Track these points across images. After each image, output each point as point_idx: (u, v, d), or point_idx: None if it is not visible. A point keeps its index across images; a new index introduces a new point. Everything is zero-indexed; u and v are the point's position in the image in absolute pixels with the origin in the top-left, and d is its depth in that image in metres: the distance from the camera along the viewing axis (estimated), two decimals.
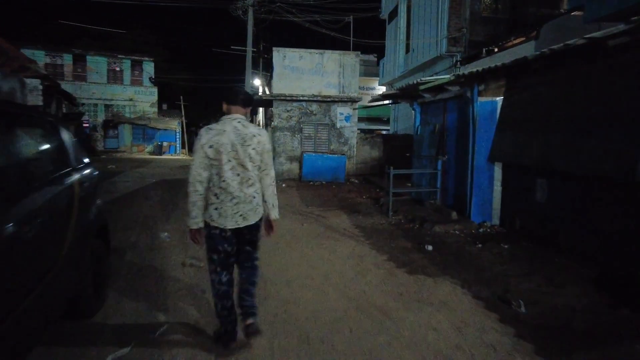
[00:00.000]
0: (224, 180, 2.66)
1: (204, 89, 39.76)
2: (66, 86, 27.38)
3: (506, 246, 5.54)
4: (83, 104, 28.21)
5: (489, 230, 6.49)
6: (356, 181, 13.78)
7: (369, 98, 15.07)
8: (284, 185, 12.73)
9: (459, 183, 7.57)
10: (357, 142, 14.55)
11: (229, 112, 2.76)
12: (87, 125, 28.66)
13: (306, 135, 14.29)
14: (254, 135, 2.72)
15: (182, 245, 5.58)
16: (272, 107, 17.40)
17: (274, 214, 2.94)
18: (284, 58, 14.00)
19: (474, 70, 6.53)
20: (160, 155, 28.17)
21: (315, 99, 13.86)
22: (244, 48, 18.20)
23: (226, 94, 2.78)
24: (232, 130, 2.67)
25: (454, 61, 14.36)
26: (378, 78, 23.50)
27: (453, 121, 7.88)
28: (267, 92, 14.17)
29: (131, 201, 9.40)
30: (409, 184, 10.67)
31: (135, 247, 5.53)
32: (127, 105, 29.76)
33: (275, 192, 2.97)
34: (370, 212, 8.53)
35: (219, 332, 2.87)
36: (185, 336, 3.06)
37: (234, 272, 2.89)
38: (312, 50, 14.09)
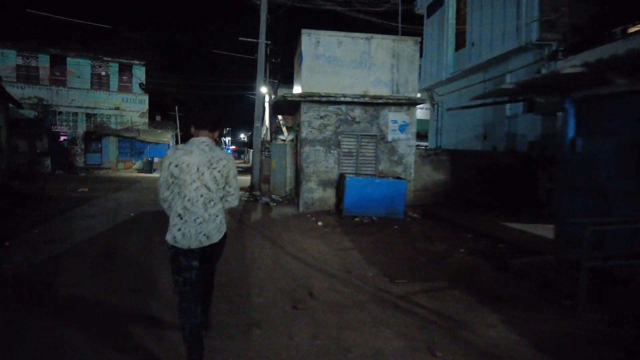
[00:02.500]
0: (188, 200, 2.72)
1: (202, 97, 35.92)
2: (40, 91, 23.44)
3: None
4: (60, 113, 24.19)
5: None
6: (416, 215, 9.81)
7: None
8: (320, 223, 8.73)
9: None
10: (415, 161, 10.61)
11: (196, 135, 2.84)
12: (64, 137, 24.59)
13: (345, 151, 10.34)
14: (221, 159, 2.79)
15: None
16: (285, 114, 13.53)
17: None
18: (316, 44, 10.13)
19: None
20: (151, 172, 24.09)
21: (359, 100, 9.95)
22: (254, 40, 14.36)
23: (194, 117, 2.90)
24: (199, 152, 2.75)
25: (547, 53, 10.52)
26: None
27: None
28: (289, 92, 10.21)
29: (64, 272, 5.32)
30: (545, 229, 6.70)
31: None
32: (112, 115, 25.78)
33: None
34: (519, 295, 4.59)
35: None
36: None
37: None
38: (356, 35, 10.25)
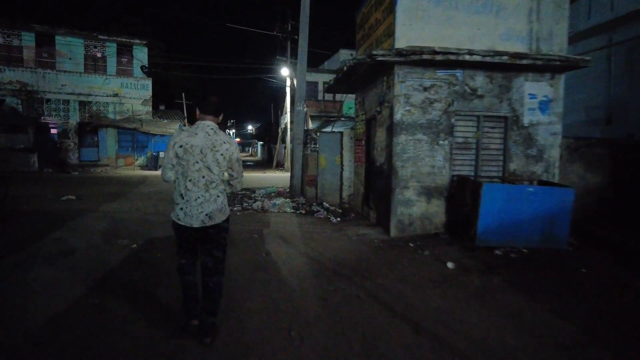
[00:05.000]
0: (190, 181, 2.80)
1: (212, 82, 32.21)
2: (24, 75, 19.79)
3: None
4: (48, 100, 20.58)
5: None
6: (572, 240, 6.23)
7: None
8: (450, 265, 5.18)
9: None
10: (561, 156, 6.98)
11: (201, 119, 2.91)
12: (54, 129, 21.03)
13: (460, 141, 6.72)
14: (224, 142, 2.86)
15: None
16: (343, 90, 9.98)
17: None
18: None
19: None
20: (157, 169, 20.54)
21: (491, 59, 6.28)
22: None
23: (200, 102, 2.94)
24: (204, 135, 2.82)
25: None
26: None
27: None
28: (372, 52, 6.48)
29: None
30: None
31: None
32: (110, 103, 22.19)
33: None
34: None
35: (187, 324, 3.07)
36: None
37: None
38: None
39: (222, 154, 2.83)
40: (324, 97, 29.96)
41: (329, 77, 31.28)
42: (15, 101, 19.43)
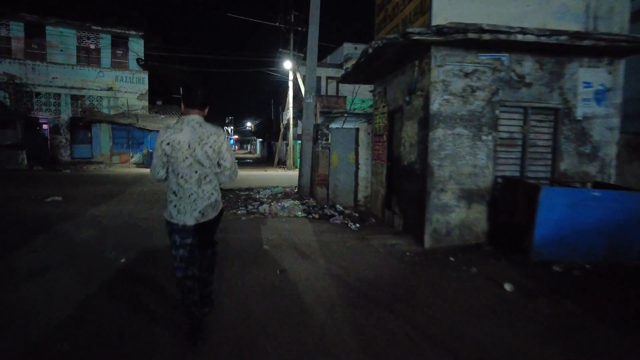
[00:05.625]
0: (182, 177, 2.74)
1: (210, 77, 31.19)
2: (12, 67, 18.71)
3: None
4: (38, 94, 19.53)
5: None
6: None
7: None
8: (508, 287, 4.23)
9: None
10: (618, 154, 6.03)
11: (187, 114, 2.81)
12: (45, 125, 19.99)
13: (505, 136, 5.76)
14: (211, 134, 2.77)
15: None
16: (361, 80, 9.05)
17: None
18: None
19: None
20: None
21: (546, 39, 5.30)
22: None
23: (185, 95, 2.82)
24: (189, 130, 2.73)
25: None
26: None
27: None
28: (413, 30, 5.45)
29: None
30: None
31: None
32: (104, 97, 21.15)
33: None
34: None
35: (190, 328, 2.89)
36: None
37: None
38: None
39: (210, 146, 2.77)
40: (327, 91, 28.97)
41: (332, 72, 30.28)
42: (2, 94, 18.38)
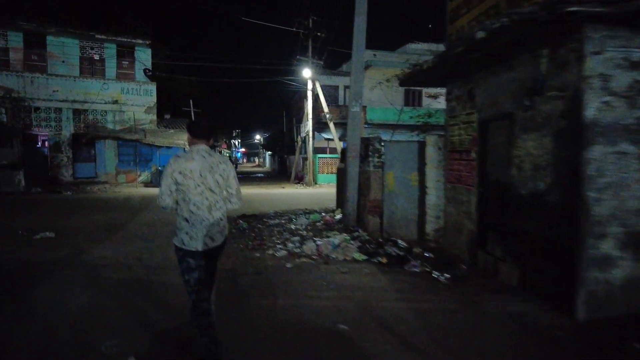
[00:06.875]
0: (194, 204, 2.81)
1: (220, 88, 29.70)
2: (8, 79, 17.18)
3: None
4: (37, 109, 17.98)
5: None
6: None
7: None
8: None
9: None
10: None
11: (194, 144, 2.96)
12: (45, 141, 18.42)
13: None
14: (220, 163, 2.92)
15: None
16: (428, 83, 7.25)
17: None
18: None
19: None
20: None
21: None
22: None
23: (193, 128, 2.98)
24: (200, 159, 2.86)
25: None
26: None
27: None
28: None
29: None
30: None
31: None
32: (109, 111, 19.58)
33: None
34: None
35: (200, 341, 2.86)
36: None
37: None
38: None
39: (220, 174, 2.91)
40: (344, 101, 27.33)
41: (349, 80, 28.71)
42: None
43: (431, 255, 6.15)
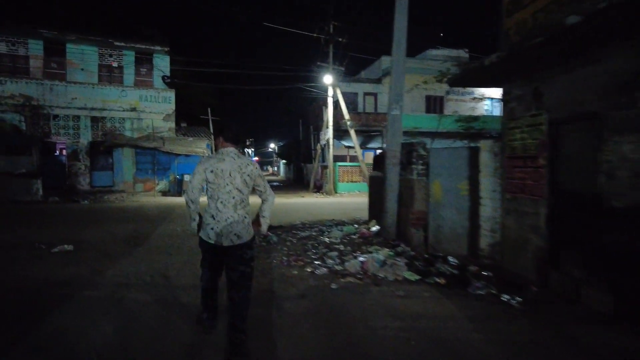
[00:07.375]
0: (221, 202, 3.04)
1: (242, 94, 29.40)
2: (28, 87, 17.03)
3: None
4: (56, 117, 17.79)
5: None
6: None
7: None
8: None
9: None
10: None
11: (224, 146, 3.20)
12: (63, 149, 18.20)
13: None
14: (248, 165, 3.14)
15: None
16: (481, 82, 6.59)
17: (264, 227, 3.33)
18: None
19: None
20: (181, 195, 17.40)
21: None
22: None
23: (223, 131, 3.26)
24: (230, 160, 3.09)
25: None
26: None
27: None
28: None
29: None
30: None
31: None
32: (127, 119, 19.32)
33: (271, 208, 3.32)
34: None
35: (201, 316, 3.46)
36: None
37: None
38: None
39: (248, 175, 3.09)
40: (364, 108, 26.80)
41: (369, 87, 28.09)
42: (17, 118, 16.65)
43: (490, 274, 5.46)
